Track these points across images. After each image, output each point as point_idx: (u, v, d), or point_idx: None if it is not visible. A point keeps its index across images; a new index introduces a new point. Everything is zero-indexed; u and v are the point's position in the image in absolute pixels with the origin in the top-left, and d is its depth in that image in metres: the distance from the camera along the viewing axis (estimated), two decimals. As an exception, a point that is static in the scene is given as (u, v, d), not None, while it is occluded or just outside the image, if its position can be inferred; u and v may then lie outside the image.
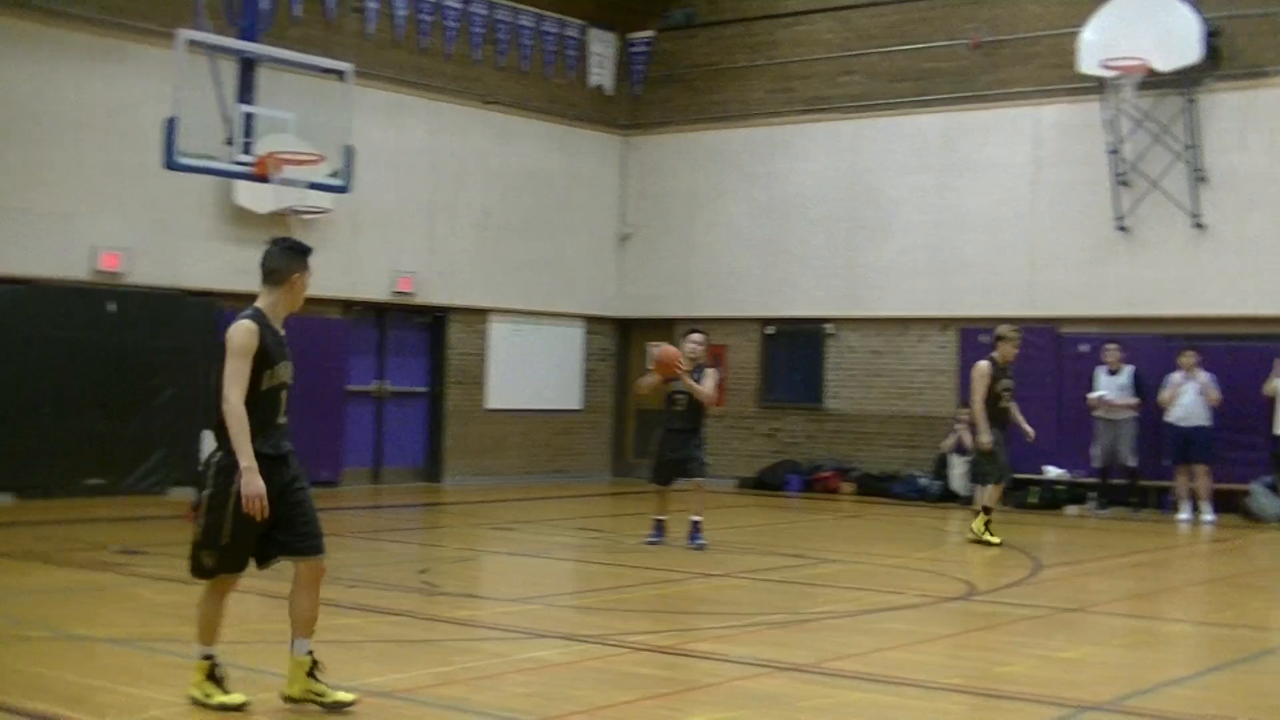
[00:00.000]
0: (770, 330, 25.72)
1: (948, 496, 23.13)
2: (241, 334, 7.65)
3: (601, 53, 26.96)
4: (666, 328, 26.65)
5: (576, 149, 26.76)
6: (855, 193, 25.08)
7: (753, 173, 26.20)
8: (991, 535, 17.00)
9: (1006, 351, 17.25)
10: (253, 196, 20.41)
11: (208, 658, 7.85)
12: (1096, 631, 12.04)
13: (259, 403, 7.67)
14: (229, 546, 7.72)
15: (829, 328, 25.41)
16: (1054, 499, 22.50)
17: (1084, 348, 22.75)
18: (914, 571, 14.93)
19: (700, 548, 15.74)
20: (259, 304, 7.87)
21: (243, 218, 20.97)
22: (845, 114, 25.39)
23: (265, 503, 7.55)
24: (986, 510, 17.19)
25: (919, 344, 24.51)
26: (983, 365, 17.19)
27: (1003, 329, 17.56)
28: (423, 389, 24.76)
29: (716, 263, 26.41)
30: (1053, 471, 22.83)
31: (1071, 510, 22.29)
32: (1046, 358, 23.24)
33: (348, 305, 23.11)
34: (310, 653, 7.83)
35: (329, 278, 20.05)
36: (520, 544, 17.35)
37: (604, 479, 26.66)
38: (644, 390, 17.22)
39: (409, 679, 8.81)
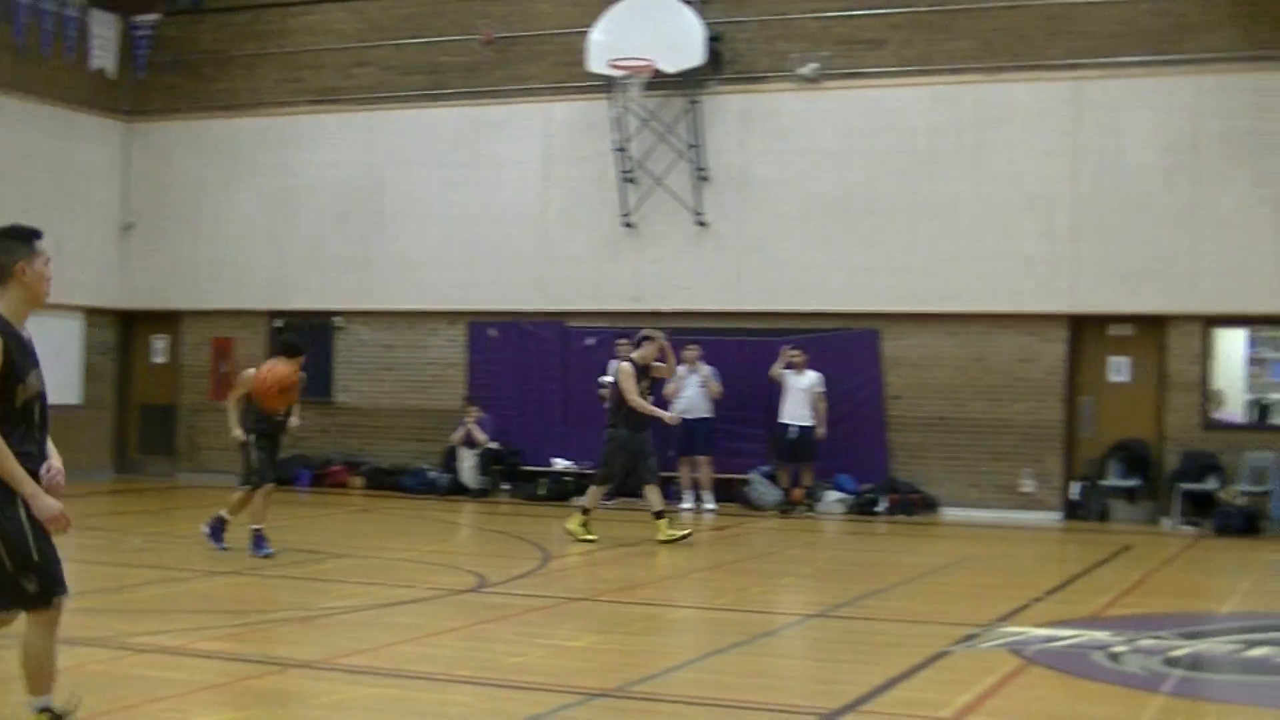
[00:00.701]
0: (279, 323, 25.22)
1: (457, 489, 23.19)
2: None
3: (103, 35, 25.83)
4: (173, 320, 25.87)
5: (76, 134, 25.58)
6: (367, 185, 24.86)
7: (262, 163, 25.65)
8: (588, 533, 17.10)
9: (648, 352, 17.31)
10: None
11: (45, 709, 6.80)
12: (605, 619, 12.24)
13: (17, 420, 6.66)
14: (45, 563, 6.66)
15: (338, 321, 25.14)
16: (562, 490, 22.84)
17: (591, 341, 23.18)
18: (425, 565, 14.89)
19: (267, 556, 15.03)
20: None
21: None
22: (358, 106, 25.16)
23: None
24: (584, 510, 17.33)
25: (430, 337, 24.52)
26: (626, 366, 17.21)
27: (649, 330, 17.73)
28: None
29: (224, 254, 25.76)
30: (561, 463, 23.19)
31: (578, 501, 22.66)
32: (554, 351, 23.63)
33: None
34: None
35: None
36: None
37: (106, 477, 25.62)
38: None
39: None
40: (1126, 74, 21.35)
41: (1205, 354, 21.19)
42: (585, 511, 17.38)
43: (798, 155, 22.62)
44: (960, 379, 21.91)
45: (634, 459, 17.15)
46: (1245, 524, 19.91)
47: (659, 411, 17.48)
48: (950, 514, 21.71)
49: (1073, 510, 21.39)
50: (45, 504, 6.60)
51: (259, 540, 15.01)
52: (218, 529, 15.30)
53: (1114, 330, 21.70)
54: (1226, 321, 21.32)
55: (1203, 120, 20.96)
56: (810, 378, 21.48)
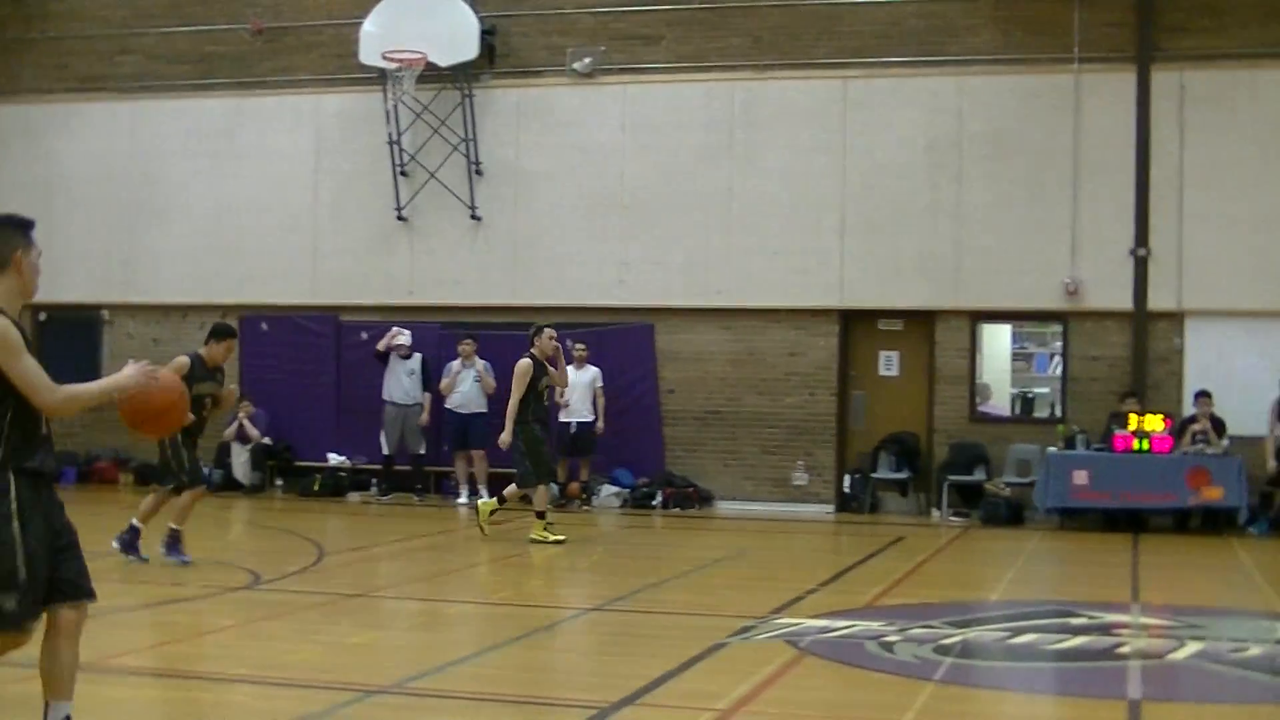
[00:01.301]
0: (42, 317, 24.48)
1: (230, 485, 22.79)
2: (7, 330, 6.28)
3: None
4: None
5: None
6: (133, 176, 24.30)
7: (23, 152, 24.90)
8: (552, 534, 16.80)
9: (545, 346, 16.98)
10: None
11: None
12: (382, 615, 12.13)
13: (19, 412, 6.36)
14: (29, 583, 6.35)
15: (105, 314, 24.54)
16: (337, 486, 22.61)
17: (365, 335, 22.93)
18: (198, 562, 14.57)
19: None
20: None
21: None
22: (124, 94, 24.57)
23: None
24: (539, 514, 16.96)
25: (199, 332, 23.92)
26: (524, 363, 16.79)
27: (541, 324, 17.41)
28: None
29: (-18, 246, 24.90)
30: (335, 458, 22.93)
31: (354, 497, 22.47)
32: (328, 345, 23.36)
33: None
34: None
35: None
36: None
37: None
38: None
39: None
40: (892, 74, 21.81)
41: (972, 348, 21.73)
42: (540, 515, 17.01)
43: (573, 150, 22.67)
44: (733, 373, 22.16)
45: (529, 455, 16.90)
46: (1011, 514, 20.46)
47: (509, 423, 16.87)
48: (725, 507, 21.93)
49: (845, 502, 21.77)
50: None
51: (175, 543, 14.37)
52: (132, 541, 14.43)
53: (883, 325, 22.13)
54: (992, 316, 21.88)
55: (965, 119, 21.49)
56: (590, 373, 21.53)
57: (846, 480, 21.91)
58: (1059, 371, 21.71)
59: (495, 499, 17.42)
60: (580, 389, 21.47)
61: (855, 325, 22.21)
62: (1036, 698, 9.47)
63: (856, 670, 9.69)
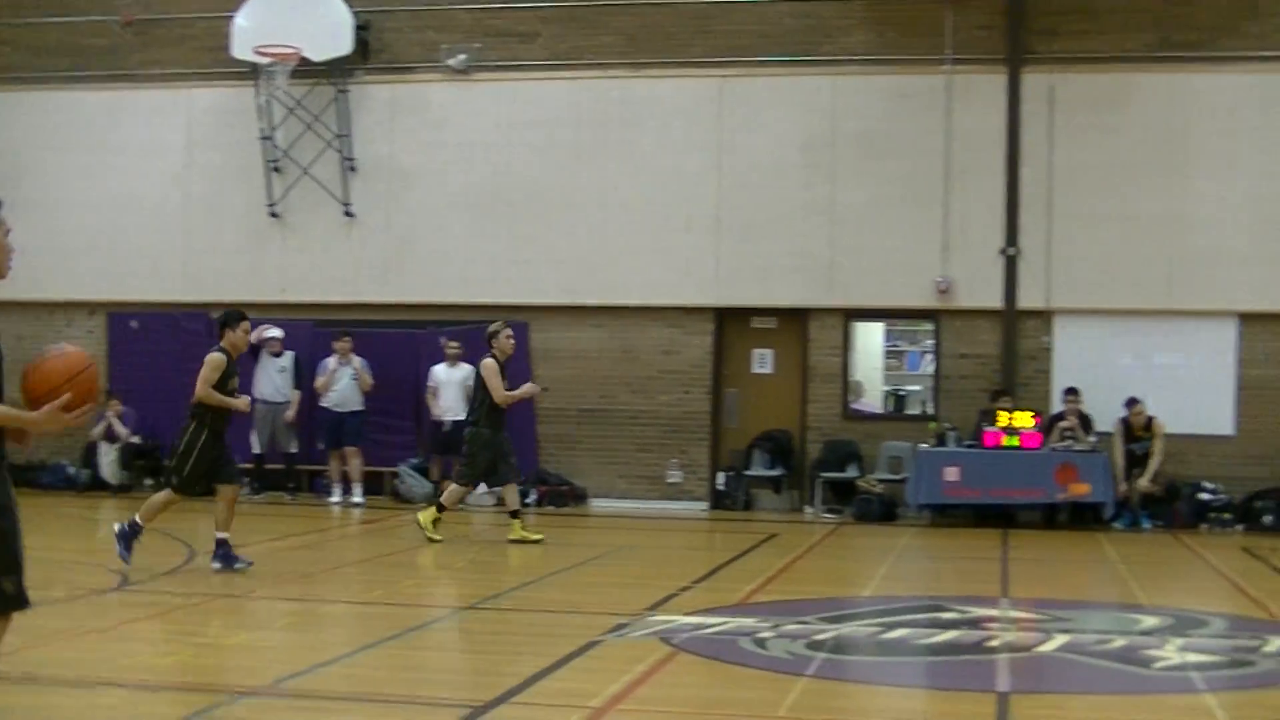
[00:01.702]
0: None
1: (98, 485, 22.47)
2: None
3: None
4: None
5: None
6: (2, 169, 23.81)
7: (-115, 145, 24.38)
8: (532, 534, 16.84)
9: (505, 346, 17.10)
10: None
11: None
12: (255, 616, 12.02)
13: None
14: (20, 568, 6.39)
15: (-31, 311, 24.11)
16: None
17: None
18: (64, 564, 14.33)
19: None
20: None
21: None
22: (-8, 86, 24.14)
23: None
24: (514, 514, 17.00)
25: (67, 328, 23.62)
26: (490, 362, 16.90)
27: (499, 324, 17.44)
28: None
29: None
30: (206, 458, 22.64)
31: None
32: (200, 343, 22.94)
33: None
34: None
35: None
36: None
37: None
38: None
39: None
40: (767, 73, 21.95)
41: (845, 346, 21.92)
42: (441, 509, 16.92)
43: (448, 146, 22.59)
44: (608, 371, 22.19)
45: (496, 458, 16.83)
46: (883, 511, 20.67)
47: (526, 391, 17.46)
48: (600, 505, 21.96)
49: (719, 500, 21.88)
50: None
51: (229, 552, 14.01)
52: (128, 535, 14.01)
53: (757, 323, 22.26)
54: (865, 315, 22.08)
55: (839, 119, 21.67)
56: (464, 370, 21.43)
57: (720, 478, 22.01)
58: (930, 369, 21.96)
59: (434, 507, 17.18)
60: (453, 387, 21.38)
61: (729, 323, 22.32)
62: (908, 691, 9.57)
63: (730, 667, 9.73)
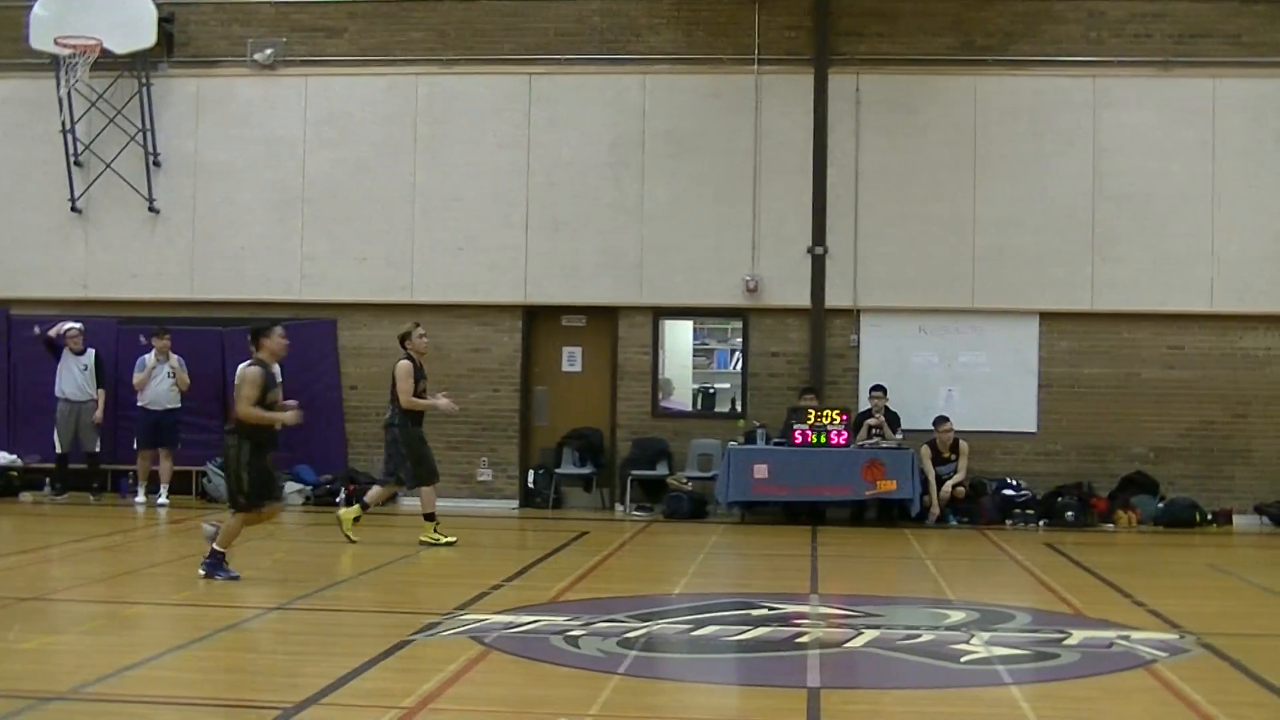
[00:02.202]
0: None
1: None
2: None
3: None
4: None
5: None
6: None
7: None
8: (444, 536, 16.81)
9: (418, 345, 17.10)
10: None
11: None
12: (57, 619, 11.75)
13: None
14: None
15: None
16: (8, 486, 21.79)
17: (37, 330, 22.14)
18: None
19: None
20: None
21: None
22: None
23: None
24: (428, 516, 16.96)
25: None
26: (405, 364, 16.90)
27: (411, 325, 17.36)
28: None
29: None
30: (5, 458, 22.09)
31: (26, 497, 21.68)
32: (-2, 341, 22.52)
33: None
34: None
35: None
36: None
37: None
38: None
39: None
40: (577, 71, 21.97)
41: (655, 344, 22.02)
42: (365, 507, 16.88)
43: (254, 142, 22.30)
44: (418, 369, 22.00)
45: (415, 459, 16.70)
46: (693, 508, 20.80)
47: (436, 403, 17.26)
48: (410, 504, 21.74)
49: (529, 498, 21.86)
50: None
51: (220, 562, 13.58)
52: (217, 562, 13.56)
53: (567, 321, 22.27)
54: (674, 313, 22.19)
55: (649, 118, 21.77)
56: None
57: (530, 476, 22.00)
58: (739, 367, 22.15)
59: (359, 505, 17.11)
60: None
61: (539, 321, 22.30)
62: (719, 688, 9.65)
63: (542, 665, 9.73)
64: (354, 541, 16.54)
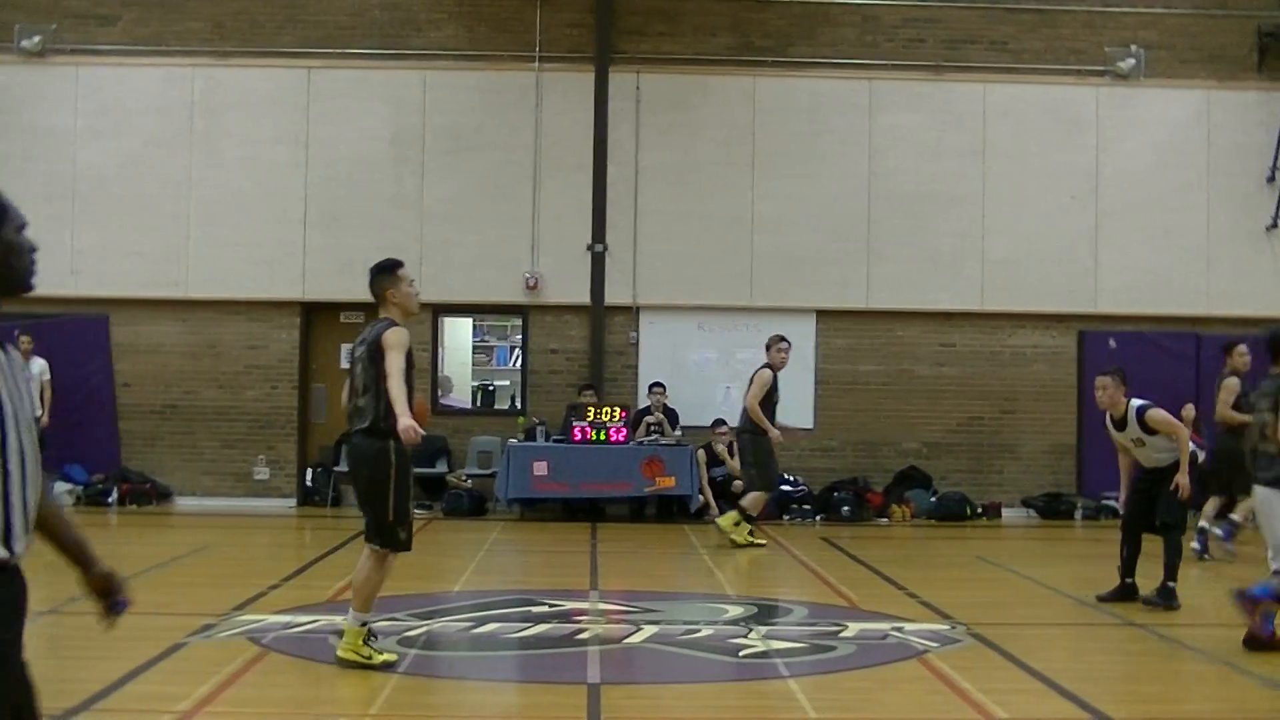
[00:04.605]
0: None
1: None
2: None
3: None
4: None
5: None
6: None
7: None
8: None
9: (780, 359, 17.53)
10: None
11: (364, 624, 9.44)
12: None
13: None
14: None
15: None
16: None
17: None
18: None
19: None
20: None
21: None
22: None
23: None
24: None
25: None
26: (765, 373, 17.29)
27: (777, 337, 17.60)
28: None
29: None
30: None
31: None
32: None
33: None
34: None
35: None
36: None
37: None
38: None
39: None
40: (357, 65, 21.75)
41: (434, 341, 21.90)
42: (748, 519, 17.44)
43: (23, 132, 21.66)
44: (192, 366, 21.66)
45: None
46: (473, 505, 20.74)
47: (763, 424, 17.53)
48: (185, 503, 21.41)
49: (307, 496, 21.60)
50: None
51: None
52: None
53: (346, 317, 22.02)
54: (454, 310, 22.09)
55: (429, 114, 21.64)
56: (37, 365, 20.56)
57: (309, 474, 21.73)
58: (519, 364, 22.13)
59: (735, 510, 17.51)
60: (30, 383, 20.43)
61: (317, 318, 22.05)
62: (499, 685, 9.64)
63: (321, 666, 9.64)
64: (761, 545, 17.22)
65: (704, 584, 14.76)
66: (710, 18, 21.95)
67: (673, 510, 20.61)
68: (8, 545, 4.40)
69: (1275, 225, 22.06)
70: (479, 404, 22.49)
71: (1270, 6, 22.32)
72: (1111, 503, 21.24)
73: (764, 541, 17.55)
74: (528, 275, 21.48)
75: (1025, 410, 21.95)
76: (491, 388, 22.59)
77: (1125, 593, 12.93)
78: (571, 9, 21.84)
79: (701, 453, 20.68)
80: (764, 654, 10.31)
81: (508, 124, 21.68)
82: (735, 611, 12.23)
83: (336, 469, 21.48)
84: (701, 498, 20.48)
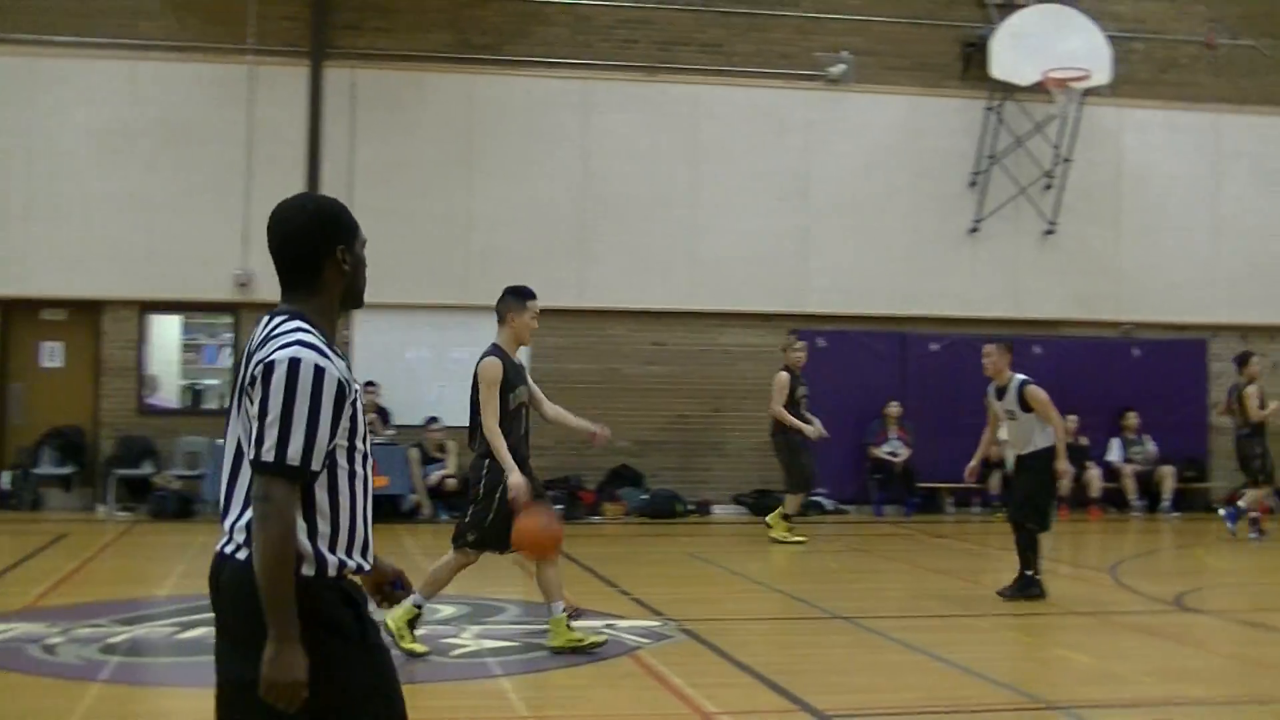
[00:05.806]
0: None
1: None
2: None
3: None
4: None
5: None
6: None
7: None
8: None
9: (796, 359, 18.18)
10: None
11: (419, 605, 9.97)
12: None
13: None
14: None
15: None
16: None
17: None
18: None
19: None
20: None
21: None
22: None
23: None
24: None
25: None
26: (783, 376, 17.97)
27: (793, 338, 18.04)
28: None
29: None
30: None
31: None
32: None
33: None
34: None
35: None
36: None
37: None
38: None
39: None
40: (70, 54, 21.16)
41: (140, 339, 21.37)
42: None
43: None
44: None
45: None
46: (180, 507, 20.27)
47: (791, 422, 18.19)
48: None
49: (4, 500, 20.85)
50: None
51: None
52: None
53: (47, 315, 21.37)
54: (161, 307, 21.59)
55: (140, 106, 21.11)
56: None
57: (6, 476, 21.00)
58: (230, 363, 21.72)
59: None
60: None
61: (16, 315, 21.32)
62: (205, 692, 9.40)
63: (16, 676, 9.35)
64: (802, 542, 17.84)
65: (414, 583, 14.64)
66: (427, 14, 21.83)
67: (384, 510, 20.43)
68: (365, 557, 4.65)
69: (976, 229, 22.87)
70: (187, 404, 22.00)
71: (974, 18, 23.11)
72: (819, 499, 21.84)
73: (803, 539, 18.12)
74: (239, 273, 21.07)
75: (732, 409, 22.32)
76: (200, 387, 22.12)
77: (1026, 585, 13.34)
78: (287, 2, 21.50)
79: (414, 451, 20.58)
80: (475, 653, 10.33)
81: (221, 118, 21.24)
82: (447, 611, 12.20)
83: (35, 471, 20.82)
84: (414, 497, 20.37)
